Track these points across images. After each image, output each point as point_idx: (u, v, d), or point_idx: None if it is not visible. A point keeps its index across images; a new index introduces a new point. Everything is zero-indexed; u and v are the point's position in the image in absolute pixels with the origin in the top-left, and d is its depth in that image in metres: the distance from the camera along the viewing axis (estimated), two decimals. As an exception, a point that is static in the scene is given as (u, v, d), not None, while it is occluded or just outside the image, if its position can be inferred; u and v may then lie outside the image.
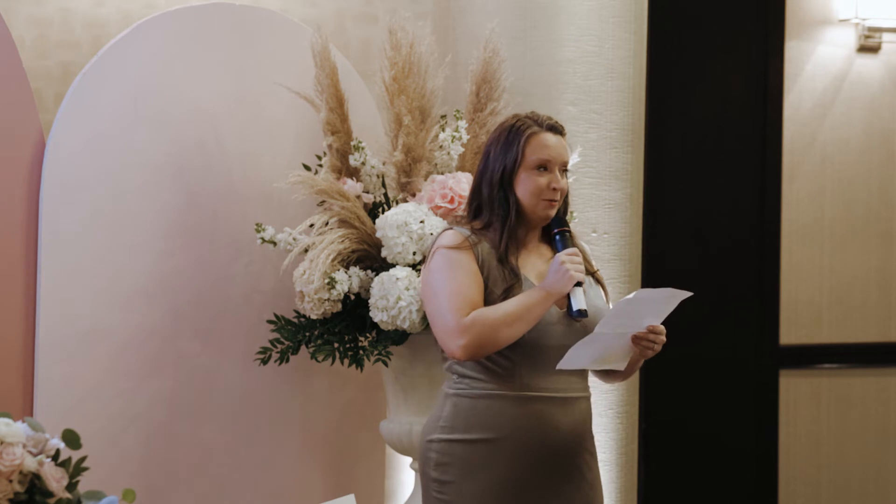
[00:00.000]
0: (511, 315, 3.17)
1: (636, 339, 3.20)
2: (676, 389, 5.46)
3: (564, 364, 3.14)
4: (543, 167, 3.26)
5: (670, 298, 3.16)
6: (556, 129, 3.30)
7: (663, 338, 3.22)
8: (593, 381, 3.40)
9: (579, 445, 3.30)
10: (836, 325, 5.75)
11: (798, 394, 5.69)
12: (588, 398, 3.35)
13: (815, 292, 5.71)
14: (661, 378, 5.29)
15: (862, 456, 5.78)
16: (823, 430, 5.73)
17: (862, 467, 5.78)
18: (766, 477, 5.62)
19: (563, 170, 3.29)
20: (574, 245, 3.27)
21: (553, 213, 3.29)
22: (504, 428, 3.22)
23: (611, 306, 3.32)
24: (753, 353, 5.61)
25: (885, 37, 5.74)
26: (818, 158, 5.72)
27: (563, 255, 3.19)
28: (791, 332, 5.67)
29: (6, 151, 3.79)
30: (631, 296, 3.12)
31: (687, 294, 3.16)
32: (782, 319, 5.65)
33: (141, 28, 3.97)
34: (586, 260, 3.35)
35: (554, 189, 3.25)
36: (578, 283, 3.18)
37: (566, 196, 3.34)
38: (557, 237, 3.27)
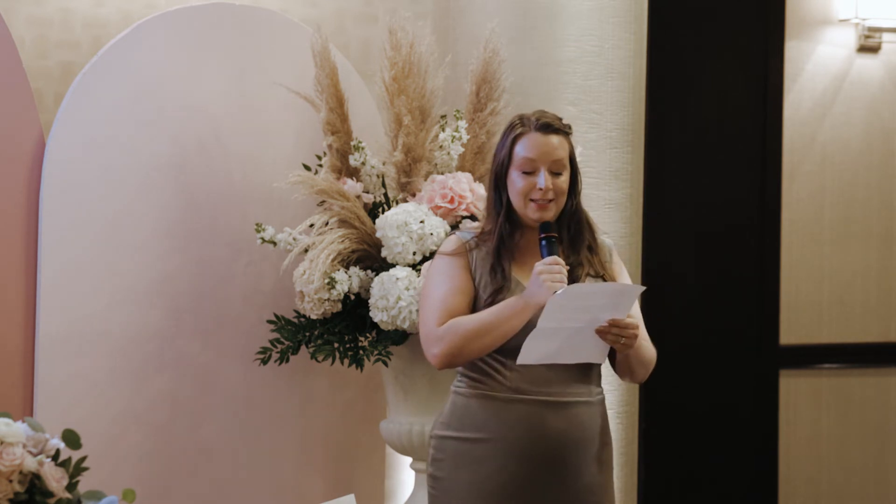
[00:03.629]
0: (485, 326, 3.18)
1: (601, 334, 3.13)
2: (676, 389, 5.45)
3: (522, 359, 3.14)
4: (530, 167, 3.23)
5: (622, 293, 3.13)
6: (547, 128, 3.24)
7: (633, 331, 3.15)
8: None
9: (580, 451, 3.25)
10: (836, 325, 5.75)
11: (798, 394, 5.69)
12: (594, 403, 3.29)
13: (815, 292, 5.71)
14: (661, 378, 5.29)
15: (862, 456, 5.78)
16: (823, 430, 5.73)
17: (862, 467, 5.78)
18: (766, 477, 5.62)
19: (555, 171, 3.22)
20: (558, 253, 3.17)
21: (545, 215, 3.22)
22: (493, 429, 3.24)
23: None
24: (753, 353, 5.61)
25: (885, 37, 5.74)
26: (818, 158, 5.72)
27: (540, 266, 3.14)
28: (791, 332, 5.67)
29: (6, 151, 3.79)
30: (559, 291, 3.06)
31: (640, 288, 3.14)
32: (782, 319, 5.64)
33: (141, 28, 3.97)
34: (599, 263, 3.29)
35: (540, 189, 3.21)
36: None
37: (569, 197, 3.26)
38: (543, 243, 3.19)
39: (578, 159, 3.34)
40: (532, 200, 3.22)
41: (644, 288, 3.17)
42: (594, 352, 3.18)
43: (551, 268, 3.12)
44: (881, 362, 5.81)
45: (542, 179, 3.21)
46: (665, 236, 5.42)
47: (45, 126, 3.87)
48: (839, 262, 5.75)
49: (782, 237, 5.64)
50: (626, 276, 3.40)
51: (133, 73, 3.94)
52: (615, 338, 3.14)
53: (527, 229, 3.27)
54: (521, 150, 3.23)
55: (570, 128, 3.32)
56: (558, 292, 3.06)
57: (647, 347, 3.31)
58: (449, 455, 3.29)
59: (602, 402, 3.34)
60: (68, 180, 3.84)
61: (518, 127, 3.27)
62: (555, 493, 3.23)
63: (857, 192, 5.77)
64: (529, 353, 3.13)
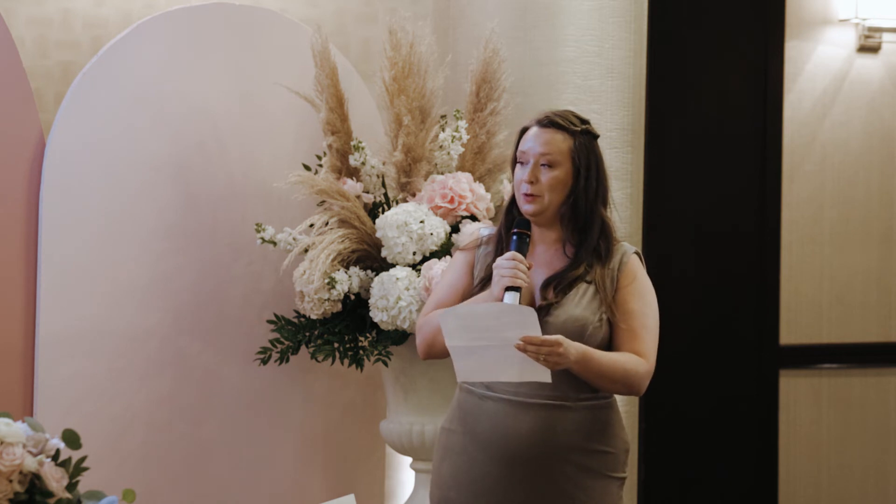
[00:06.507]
0: None
1: (522, 351, 3.02)
2: (676, 389, 5.46)
3: (461, 377, 3.13)
4: (524, 159, 3.23)
5: (512, 312, 3.02)
6: (544, 122, 3.23)
7: (549, 348, 3.02)
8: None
9: (551, 454, 3.20)
10: (836, 325, 5.75)
11: (798, 394, 5.69)
12: (574, 409, 3.21)
13: (815, 292, 5.71)
14: (661, 378, 5.29)
15: (862, 456, 5.78)
16: (823, 430, 5.73)
17: (862, 467, 5.78)
18: (766, 477, 5.62)
19: (546, 164, 3.20)
20: (525, 251, 3.16)
21: (531, 208, 3.21)
22: (468, 423, 3.27)
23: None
24: (753, 353, 5.61)
25: (885, 37, 5.74)
26: (818, 158, 5.72)
27: (498, 260, 3.15)
28: (791, 332, 5.67)
29: (6, 151, 3.79)
30: (441, 312, 3.06)
31: (528, 310, 3.00)
32: (782, 319, 5.65)
33: (141, 28, 3.97)
34: (601, 271, 3.22)
35: (524, 181, 3.20)
36: (515, 289, 3.09)
37: (570, 196, 3.22)
38: (514, 238, 3.19)
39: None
40: (523, 193, 3.22)
41: (532, 310, 3.02)
42: (536, 371, 3.06)
43: (506, 263, 3.13)
44: (881, 362, 5.81)
45: (526, 170, 3.21)
46: (665, 236, 5.42)
47: (45, 126, 3.87)
48: (839, 262, 5.75)
49: (782, 237, 5.64)
50: (638, 285, 3.27)
51: (133, 73, 3.94)
52: (535, 355, 3.03)
53: (535, 225, 3.27)
54: (520, 143, 3.26)
55: (578, 125, 3.25)
56: (440, 313, 3.07)
57: (613, 361, 3.17)
58: (440, 445, 3.34)
59: (595, 408, 3.24)
60: (68, 180, 3.84)
61: (529, 121, 3.29)
62: (525, 493, 3.21)
63: (857, 192, 5.77)
64: (462, 372, 3.10)
